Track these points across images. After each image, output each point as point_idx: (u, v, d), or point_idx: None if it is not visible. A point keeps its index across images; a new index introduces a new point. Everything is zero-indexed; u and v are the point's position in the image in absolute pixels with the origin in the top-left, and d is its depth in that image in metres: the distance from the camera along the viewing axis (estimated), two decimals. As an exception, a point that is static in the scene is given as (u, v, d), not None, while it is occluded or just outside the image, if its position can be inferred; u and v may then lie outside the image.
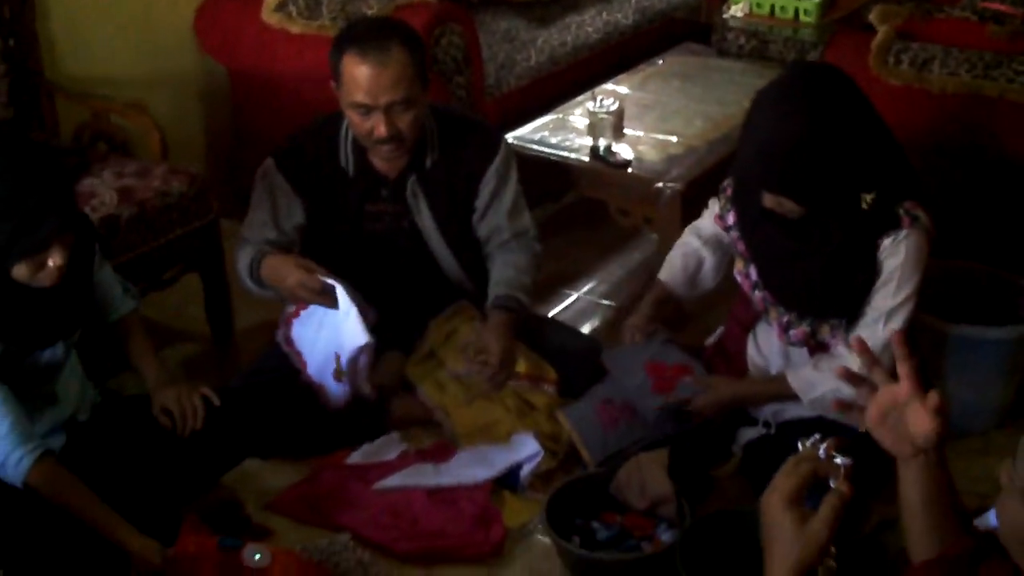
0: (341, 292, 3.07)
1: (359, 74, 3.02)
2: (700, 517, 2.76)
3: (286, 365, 3.23)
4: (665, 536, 2.80)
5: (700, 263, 3.20)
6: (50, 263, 2.57)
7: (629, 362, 3.16)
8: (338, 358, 3.15)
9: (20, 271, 2.57)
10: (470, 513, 2.96)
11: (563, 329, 3.61)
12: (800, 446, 1.61)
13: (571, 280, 4.26)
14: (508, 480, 3.08)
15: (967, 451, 3.11)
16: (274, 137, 3.40)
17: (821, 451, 1.57)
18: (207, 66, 4.67)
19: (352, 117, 3.11)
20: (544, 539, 2.91)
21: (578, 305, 4.12)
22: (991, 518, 1.61)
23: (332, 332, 3.14)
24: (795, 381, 2.88)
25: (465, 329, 3.33)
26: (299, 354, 3.24)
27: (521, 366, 3.28)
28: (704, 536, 2.66)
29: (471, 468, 3.09)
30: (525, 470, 3.08)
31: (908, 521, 1.74)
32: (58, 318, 2.76)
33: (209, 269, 3.79)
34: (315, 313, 3.19)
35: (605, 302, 4.14)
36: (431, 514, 2.96)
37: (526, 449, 3.11)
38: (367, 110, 3.05)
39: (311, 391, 3.23)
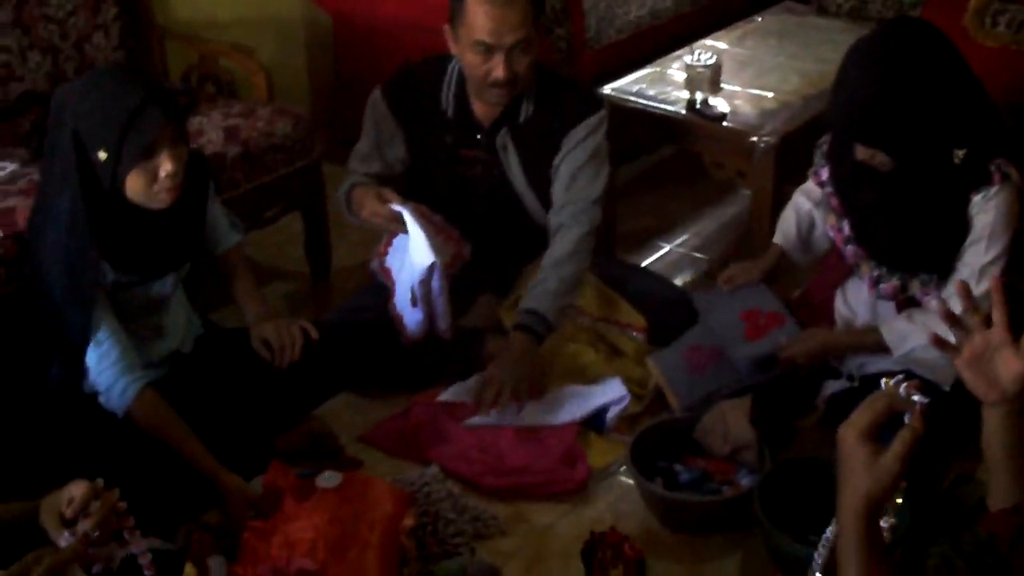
0: (408, 217, 3.08)
1: (484, 12, 3.01)
2: (780, 462, 2.79)
3: (380, 302, 3.26)
4: (745, 481, 2.84)
5: (812, 224, 3.20)
6: (162, 173, 2.60)
7: (722, 306, 3.19)
8: (412, 287, 3.17)
9: (134, 184, 2.61)
10: (556, 452, 3.00)
11: (654, 279, 3.64)
12: (883, 385, 1.65)
13: (664, 232, 4.30)
14: (594, 422, 3.13)
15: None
16: (375, 84, 3.43)
17: (902, 389, 1.61)
18: (311, 12, 4.74)
19: (470, 59, 3.11)
20: (627, 480, 2.97)
21: (670, 257, 4.15)
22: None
23: (409, 264, 3.17)
24: (888, 334, 2.87)
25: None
26: (393, 282, 3.25)
27: (611, 311, 3.34)
28: (783, 481, 2.71)
29: (559, 409, 3.14)
30: (611, 413, 3.13)
31: (990, 468, 1.77)
32: (171, 247, 2.83)
33: (310, 209, 3.86)
34: (400, 246, 3.22)
35: (697, 255, 4.17)
36: (518, 451, 3.01)
37: (613, 392, 3.16)
38: (488, 49, 3.05)
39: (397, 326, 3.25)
